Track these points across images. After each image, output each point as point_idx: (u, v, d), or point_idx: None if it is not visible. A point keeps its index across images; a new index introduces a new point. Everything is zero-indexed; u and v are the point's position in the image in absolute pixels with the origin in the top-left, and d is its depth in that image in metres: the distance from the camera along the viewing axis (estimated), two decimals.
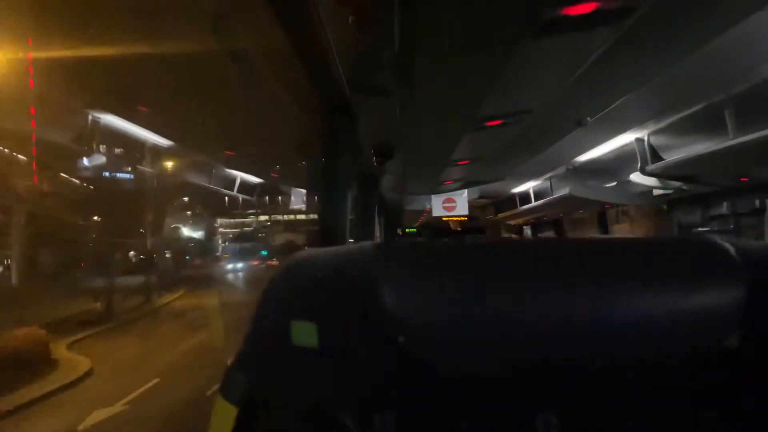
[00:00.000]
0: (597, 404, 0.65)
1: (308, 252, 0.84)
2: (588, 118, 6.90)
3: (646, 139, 9.37)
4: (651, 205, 12.95)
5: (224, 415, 0.71)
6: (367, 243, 0.78)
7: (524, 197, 16.32)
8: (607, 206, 14.36)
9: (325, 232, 4.76)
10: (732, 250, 0.70)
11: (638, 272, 0.69)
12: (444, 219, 15.48)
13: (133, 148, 16.09)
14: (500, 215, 19.55)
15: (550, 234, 20.72)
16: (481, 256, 0.75)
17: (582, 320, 0.65)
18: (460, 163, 9.23)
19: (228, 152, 14.68)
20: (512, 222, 20.45)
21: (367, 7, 3.38)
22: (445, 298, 0.67)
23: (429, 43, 3.75)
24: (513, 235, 22.23)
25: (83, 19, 6.48)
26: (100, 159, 15.25)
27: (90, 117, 12.96)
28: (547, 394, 0.65)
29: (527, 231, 21.63)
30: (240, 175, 21.41)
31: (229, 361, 0.77)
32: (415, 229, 21.95)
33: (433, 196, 14.65)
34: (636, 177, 10.53)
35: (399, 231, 20.08)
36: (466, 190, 14.25)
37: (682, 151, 9.13)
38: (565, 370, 0.65)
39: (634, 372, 0.65)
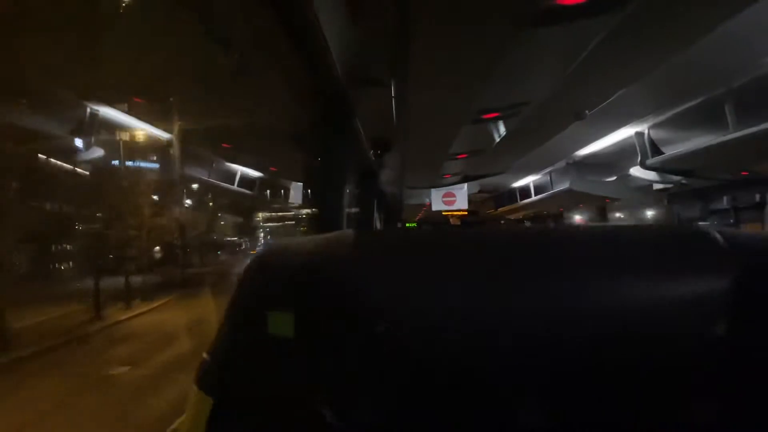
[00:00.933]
0: (586, 397, 0.63)
1: (283, 241, 0.82)
2: (587, 111, 6.89)
3: (646, 132, 9.38)
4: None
5: (200, 406, 0.69)
6: (347, 231, 0.76)
7: (524, 191, 16.36)
8: (606, 200, 14.38)
9: (323, 226, 4.76)
10: (720, 238, 0.68)
11: (627, 261, 0.67)
12: (444, 213, 15.47)
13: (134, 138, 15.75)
14: (500, 210, 19.59)
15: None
16: (464, 244, 0.73)
17: (569, 310, 0.63)
18: (459, 156, 9.23)
19: (225, 145, 14.65)
20: (512, 216, 20.48)
21: (363, 1, 3.36)
22: (426, 286, 0.65)
23: (424, 33, 3.72)
24: None
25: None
26: (99, 151, 15.22)
27: (88, 109, 12.98)
28: (533, 387, 0.64)
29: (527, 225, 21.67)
30: (240, 170, 21.41)
31: (205, 352, 0.75)
32: (414, 224, 21.90)
33: (432, 190, 14.63)
34: (636, 171, 10.55)
35: (399, 225, 20.05)
36: (465, 185, 14.24)
37: (682, 144, 9.13)
38: (552, 362, 0.63)
39: (624, 362, 0.63)
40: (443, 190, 14.56)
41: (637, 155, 9.79)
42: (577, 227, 1.01)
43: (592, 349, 0.63)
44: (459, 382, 0.64)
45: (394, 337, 0.63)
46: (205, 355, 0.74)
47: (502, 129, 7.07)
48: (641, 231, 0.84)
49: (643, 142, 9.52)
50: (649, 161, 9.72)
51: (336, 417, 0.63)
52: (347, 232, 0.75)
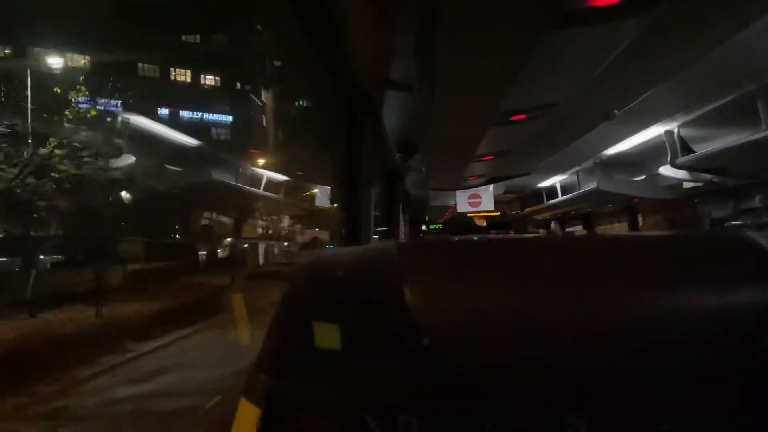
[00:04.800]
0: (627, 406, 0.64)
1: (330, 251, 0.83)
2: (615, 111, 6.80)
3: (675, 131, 9.21)
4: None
5: (247, 416, 0.71)
6: (390, 242, 0.77)
7: (551, 192, 16.18)
8: (635, 200, 14.15)
9: (349, 229, 4.77)
10: (765, 244, 0.68)
11: (668, 269, 0.67)
12: (469, 215, 15.35)
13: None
14: (527, 210, 19.41)
15: (578, 229, 20.53)
16: (507, 254, 0.74)
17: (611, 319, 0.63)
18: (484, 158, 9.16)
19: (253, 150, 14.82)
20: (539, 217, 20.28)
21: (388, 2, 3.36)
22: (471, 297, 0.66)
23: (452, 36, 3.72)
24: (541, 230, 22.07)
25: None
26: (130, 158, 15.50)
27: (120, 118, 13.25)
28: (575, 396, 0.64)
29: (554, 226, 21.45)
30: (266, 174, 21.54)
31: (253, 363, 0.77)
32: (440, 225, 21.75)
33: (457, 192, 14.52)
34: (666, 170, 10.38)
35: (424, 227, 19.95)
36: (491, 186, 14.11)
37: (713, 143, 8.96)
38: (595, 370, 0.63)
39: (665, 373, 0.63)
40: (468, 192, 14.43)
41: (667, 154, 9.64)
42: (621, 236, 0.98)
43: (637, 359, 0.64)
44: (507, 396, 0.65)
45: (440, 350, 0.64)
46: (252, 366, 0.76)
47: (529, 131, 7.00)
48: (682, 239, 0.83)
49: (673, 141, 9.36)
50: (679, 160, 9.55)
51: (380, 426, 0.64)
52: (389, 244, 0.76)
